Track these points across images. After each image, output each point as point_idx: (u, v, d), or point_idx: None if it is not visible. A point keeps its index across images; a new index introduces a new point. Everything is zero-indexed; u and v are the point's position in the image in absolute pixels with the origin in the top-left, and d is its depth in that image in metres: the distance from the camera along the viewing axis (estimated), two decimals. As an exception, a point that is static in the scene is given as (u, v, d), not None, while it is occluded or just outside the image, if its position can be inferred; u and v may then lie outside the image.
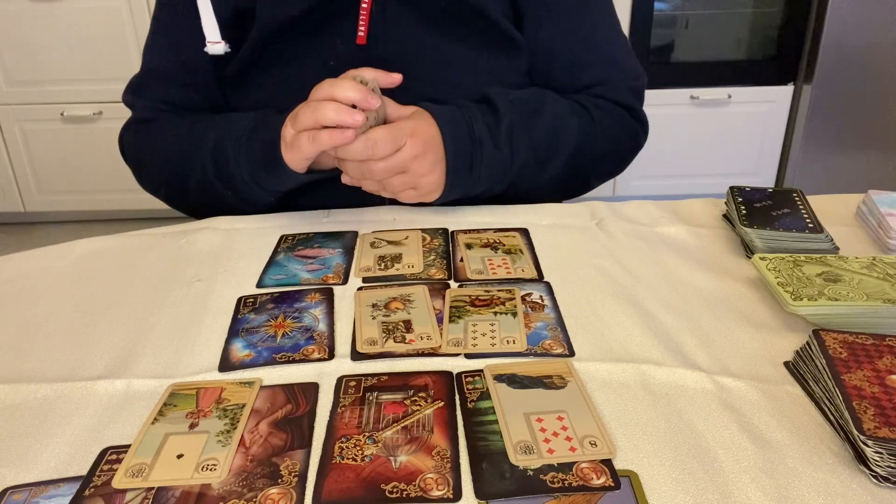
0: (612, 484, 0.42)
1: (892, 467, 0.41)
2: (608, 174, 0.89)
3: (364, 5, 0.77)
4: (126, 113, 0.87)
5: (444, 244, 0.71)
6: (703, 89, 2.36)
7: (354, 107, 0.64)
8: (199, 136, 0.78)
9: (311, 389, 0.51)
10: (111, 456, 0.45)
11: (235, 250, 0.72)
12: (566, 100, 0.82)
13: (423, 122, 0.71)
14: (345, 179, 0.72)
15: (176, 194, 0.85)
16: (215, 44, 0.79)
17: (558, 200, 0.89)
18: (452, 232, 0.74)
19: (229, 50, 0.80)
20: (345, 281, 0.65)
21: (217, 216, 0.79)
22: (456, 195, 0.75)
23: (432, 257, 0.69)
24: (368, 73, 0.68)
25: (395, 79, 0.69)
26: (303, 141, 0.66)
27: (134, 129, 0.86)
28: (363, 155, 0.66)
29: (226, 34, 0.80)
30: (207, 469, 0.43)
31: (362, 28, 0.78)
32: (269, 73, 0.80)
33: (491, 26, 0.80)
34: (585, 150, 0.82)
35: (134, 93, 0.86)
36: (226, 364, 0.54)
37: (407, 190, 0.71)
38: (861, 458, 0.43)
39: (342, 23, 0.78)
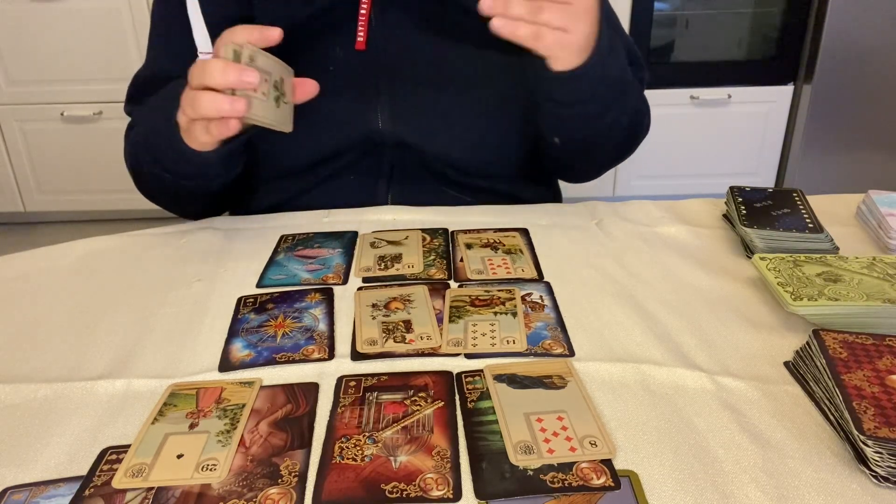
0: (612, 484, 0.42)
1: (892, 467, 0.41)
2: (634, 138, 0.86)
3: (363, 12, 0.77)
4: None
5: (444, 244, 0.71)
6: (703, 89, 2.36)
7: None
8: (144, 128, 0.77)
9: (311, 389, 0.51)
10: (111, 456, 0.45)
11: (235, 250, 0.72)
12: None
13: None
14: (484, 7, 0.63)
15: (156, 194, 0.83)
16: (207, 54, 0.79)
17: (607, 160, 0.87)
18: (452, 232, 0.74)
19: None
20: (345, 281, 0.65)
21: (217, 216, 0.79)
22: (590, 78, 0.69)
23: (432, 257, 0.69)
24: (240, 36, 0.63)
25: (272, 36, 0.64)
26: (198, 131, 0.65)
27: (127, 135, 0.85)
28: None
29: None
30: (207, 469, 0.43)
31: (361, 34, 0.78)
32: None
33: (490, 29, 0.80)
34: (635, 96, 0.80)
35: (132, 102, 0.85)
36: (226, 364, 0.54)
37: (556, 31, 0.63)
38: (861, 458, 0.43)
39: (341, 29, 0.78)
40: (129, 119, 0.87)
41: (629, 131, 0.83)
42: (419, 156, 0.81)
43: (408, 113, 0.80)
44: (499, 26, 0.63)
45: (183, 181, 0.75)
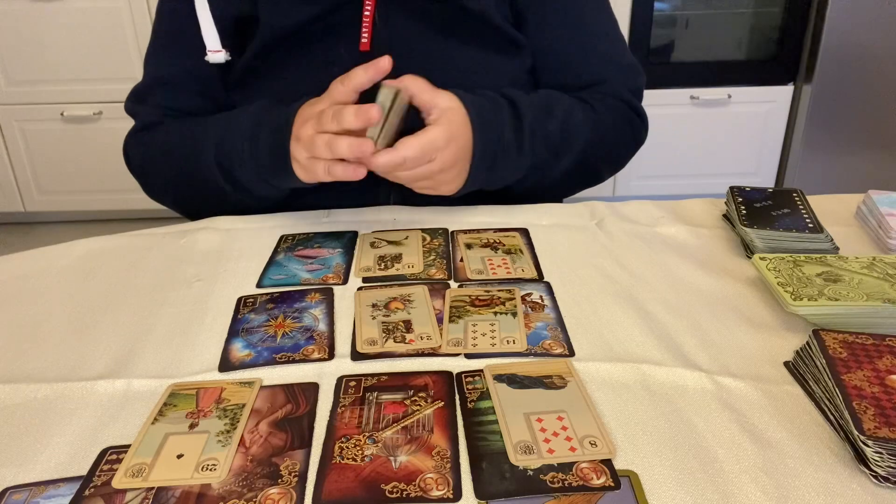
0: (612, 484, 0.42)
1: (892, 467, 0.41)
2: (614, 167, 0.89)
3: (367, 12, 0.77)
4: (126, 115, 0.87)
5: (444, 244, 0.71)
6: (703, 89, 2.36)
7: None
8: (200, 138, 0.77)
9: (311, 389, 0.51)
10: (111, 456, 0.45)
11: (235, 250, 0.72)
12: (569, 97, 0.82)
13: (459, 127, 0.69)
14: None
15: (183, 198, 0.84)
16: (216, 52, 0.79)
17: (569, 194, 0.89)
18: (452, 232, 0.74)
19: (230, 58, 0.80)
20: (345, 281, 0.65)
21: (217, 216, 0.79)
22: (468, 191, 0.75)
23: (432, 257, 0.69)
24: (361, 77, 0.66)
25: (383, 67, 0.67)
26: (319, 171, 0.67)
27: (138, 136, 0.85)
28: (391, 170, 0.66)
29: (227, 42, 0.79)
30: (207, 469, 0.43)
31: (365, 35, 0.77)
32: (273, 79, 0.80)
33: (493, 30, 0.80)
34: (594, 142, 0.82)
35: (138, 101, 0.85)
36: (226, 364, 0.54)
37: (426, 189, 0.71)
38: (861, 458, 0.43)
39: (345, 30, 0.78)
40: (129, 119, 0.86)
41: (584, 172, 0.85)
42: None
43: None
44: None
45: (246, 199, 0.77)
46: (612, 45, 0.86)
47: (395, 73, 0.79)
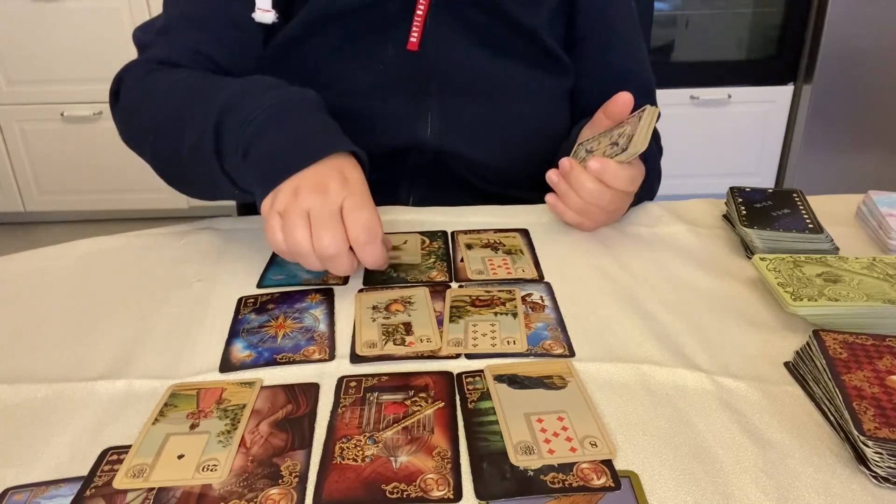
0: (613, 484, 0.42)
1: (892, 468, 0.41)
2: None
3: (419, 11, 0.76)
4: None
5: (444, 246, 0.71)
6: (703, 89, 2.36)
7: None
8: (209, 93, 0.66)
9: (312, 390, 0.51)
10: (112, 456, 0.45)
11: (235, 250, 0.72)
12: None
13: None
14: (550, 200, 0.73)
15: (162, 150, 0.71)
16: (266, 12, 0.73)
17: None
18: (452, 232, 0.74)
19: (278, 20, 0.74)
20: (345, 281, 0.65)
21: (217, 217, 0.79)
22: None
23: (432, 260, 0.69)
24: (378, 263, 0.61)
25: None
26: (312, 260, 0.58)
27: (144, 67, 0.74)
28: (608, 179, 0.67)
29: (278, 4, 0.73)
30: (208, 469, 0.44)
31: (415, 34, 0.76)
32: (313, 60, 0.76)
33: (541, 48, 0.80)
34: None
35: (160, 33, 0.75)
36: (226, 364, 0.54)
37: (601, 220, 0.73)
38: (861, 459, 0.43)
39: (395, 26, 0.76)
40: (141, 49, 0.78)
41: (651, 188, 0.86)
42: (447, 162, 0.80)
43: (456, 122, 0.79)
44: (551, 204, 0.73)
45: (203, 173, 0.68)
46: (647, 74, 0.88)
47: (443, 78, 0.78)
